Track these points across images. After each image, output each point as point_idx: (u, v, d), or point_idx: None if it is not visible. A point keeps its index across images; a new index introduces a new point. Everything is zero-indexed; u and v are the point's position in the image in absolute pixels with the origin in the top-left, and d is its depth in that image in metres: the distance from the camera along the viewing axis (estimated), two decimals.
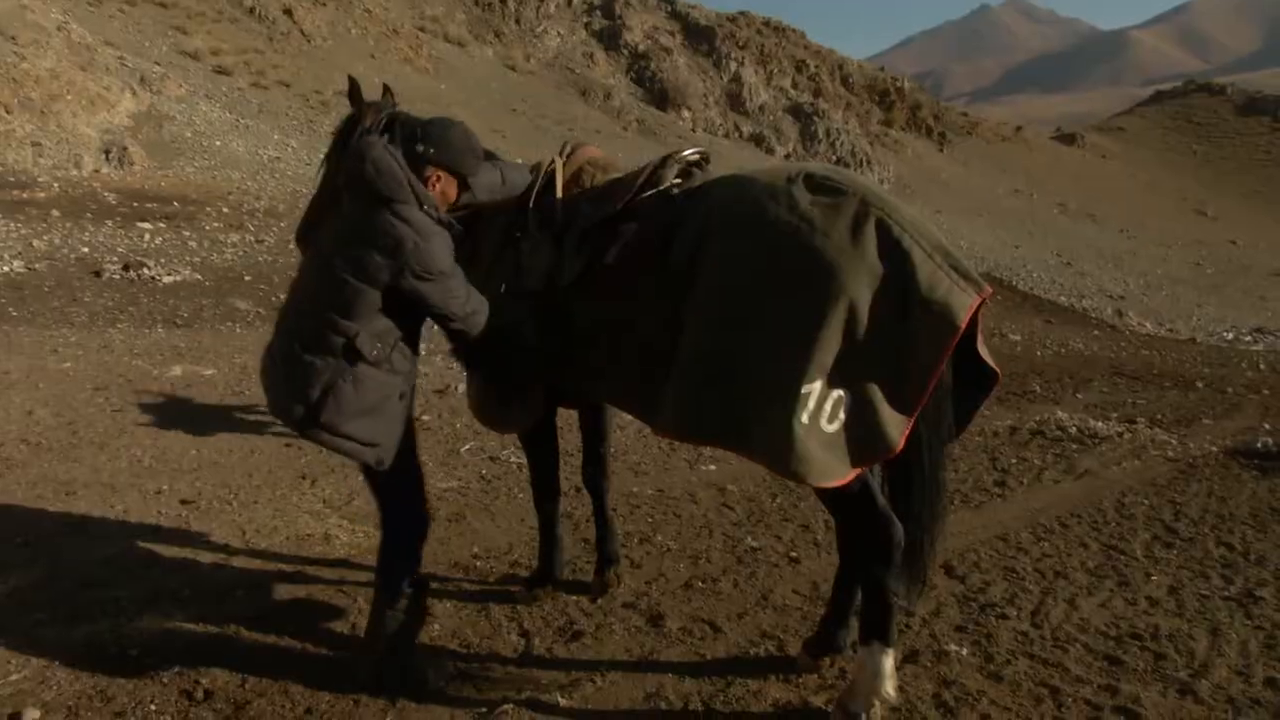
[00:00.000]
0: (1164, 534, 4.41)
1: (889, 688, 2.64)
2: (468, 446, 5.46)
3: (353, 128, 3.37)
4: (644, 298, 2.79)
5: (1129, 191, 59.04)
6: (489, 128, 35.04)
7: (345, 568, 3.68)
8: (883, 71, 60.45)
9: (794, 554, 3.98)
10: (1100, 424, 6.84)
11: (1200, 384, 9.57)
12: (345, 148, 3.26)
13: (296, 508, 4.34)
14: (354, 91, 3.46)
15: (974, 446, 6.07)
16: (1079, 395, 8.60)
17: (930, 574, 2.82)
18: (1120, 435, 6.56)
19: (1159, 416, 7.55)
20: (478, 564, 3.77)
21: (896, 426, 2.52)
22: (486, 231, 3.20)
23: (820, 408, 2.48)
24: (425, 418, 6.05)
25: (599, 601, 3.44)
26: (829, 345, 2.48)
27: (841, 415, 2.51)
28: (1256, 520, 4.67)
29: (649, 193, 2.98)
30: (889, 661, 2.65)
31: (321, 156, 3.54)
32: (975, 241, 37.26)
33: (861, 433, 2.51)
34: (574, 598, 3.48)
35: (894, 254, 2.53)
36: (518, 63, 45.50)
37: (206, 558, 3.75)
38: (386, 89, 3.57)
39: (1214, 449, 6.26)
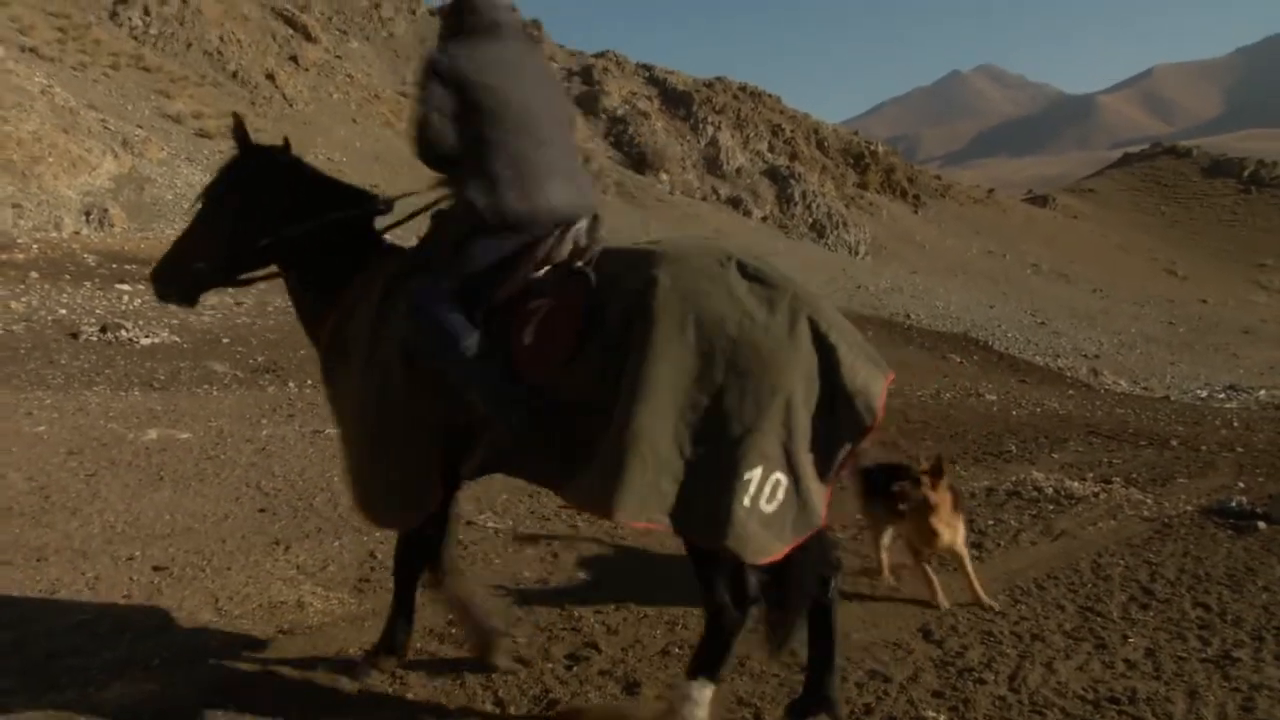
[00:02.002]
0: (1140, 595, 4.42)
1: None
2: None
3: (232, 169, 3.43)
4: (564, 377, 2.80)
5: (1101, 252, 59.95)
6: None
7: (318, 636, 3.64)
8: (857, 135, 61.53)
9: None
10: (1076, 484, 6.87)
11: (1175, 442, 9.63)
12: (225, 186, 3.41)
13: (270, 574, 4.30)
14: (239, 131, 3.43)
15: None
16: (1055, 455, 8.63)
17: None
18: (1096, 495, 6.58)
19: (1134, 476, 7.59)
20: (452, 631, 3.74)
21: (820, 499, 2.75)
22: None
23: (760, 491, 2.62)
24: None
25: (574, 670, 3.41)
26: (770, 433, 2.63)
27: (779, 496, 2.66)
28: (1232, 580, 4.69)
29: (546, 269, 2.99)
30: (709, 695, 2.84)
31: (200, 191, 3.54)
32: (950, 301, 37.68)
33: (795, 510, 2.67)
34: (549, 665, 3.45)
35: (823, 348, 2.73)
36: None
37: (178, 625, 3.70)
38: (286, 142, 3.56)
39: (1189, 508, 6.29)
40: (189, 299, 3.52)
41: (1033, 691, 3.34)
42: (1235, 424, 11.70)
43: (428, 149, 3.04)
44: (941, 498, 4.12)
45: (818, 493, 2.72)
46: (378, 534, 4.78)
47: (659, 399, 2.62)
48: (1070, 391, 16.72)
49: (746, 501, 2.59)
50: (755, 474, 2.61)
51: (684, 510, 2.63)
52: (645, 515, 2.63)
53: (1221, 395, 21.87)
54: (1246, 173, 75.64)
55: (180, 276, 3.45)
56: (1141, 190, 76.02)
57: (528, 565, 4.52)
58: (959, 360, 19.86)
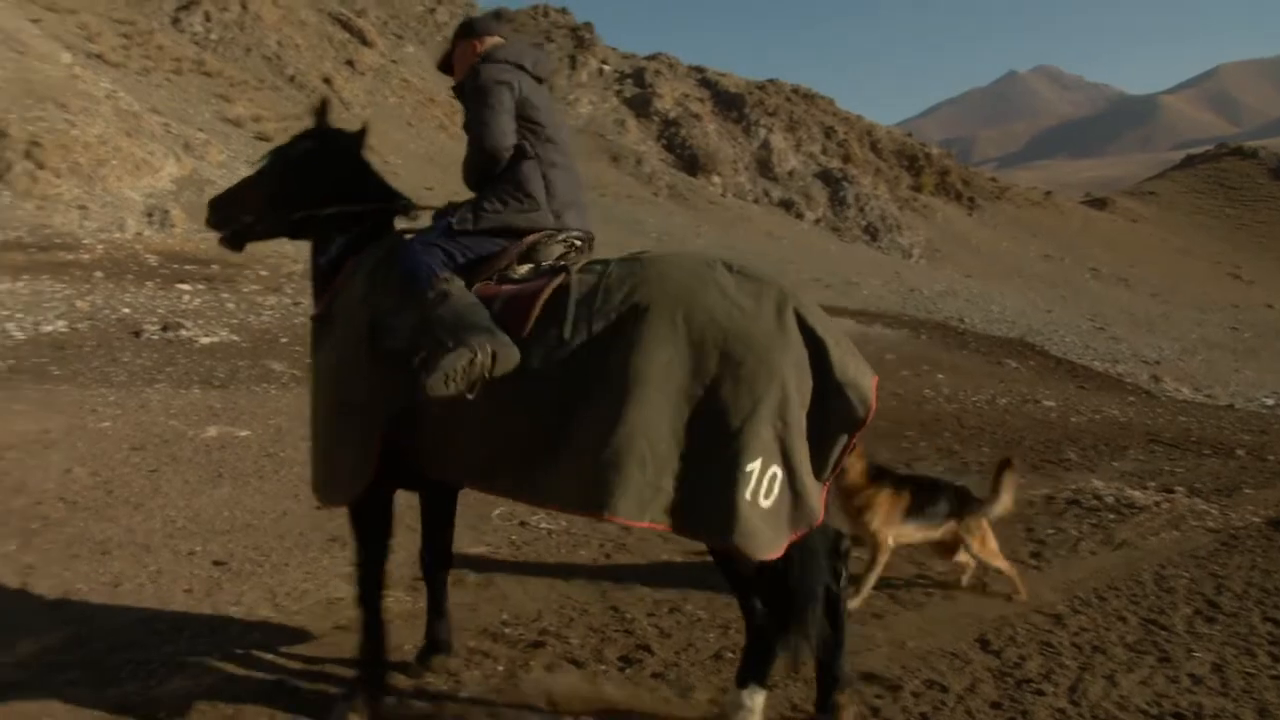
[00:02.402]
0: (1206, 608, 4.31)
1: None
2: (498, 511, 5.46)
3: (299, 140, 3.71)
4: (531, 375, 2.77)
5: (1162, 255, 58.71)
6: None
7: None
8: (911, 137, 60.90)
9: None
10: (1138, 493, 6.72)
11: (1240, 451, 9.40)
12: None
13: (327, 571, 4.35)
14: (322, 112, 3.73)
15: (1010, 517, 5.98)
16: (1115, 463, 8.46)
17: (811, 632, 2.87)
18: (1158, 505, 6.44)
19: (1198, 485, 7.41)
20: (506, 631, 3.75)
21: (817, 495, 2.75)
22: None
23: (760, 484, 2.60)
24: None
25: (628, 673, 3.40)
26: (766, 424, 2.62)
27: (776, 490, 2.64)
28: None
29: (528, 267, 3.10)
30: (761, 700, 2.89)
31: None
32: (1006, 306, 37.13)
33: (792, 505, 2.68)
34: (602, 667, 3.46)
35: (811, 340, 2.74)
36: None
37: (237, 620, 3.76)
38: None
39: (1256, 519, 6.13)
40: (235, 245, 3.74)
41: (1093, 705, 3.27)
42: None
43: (493, 155, 3.16)
44: (860, 485, 4.16)
45: (814, 488, 2.71)
46: None
47: (654, 394, 2.61)
48: (1130, 398, 16.37)
49: (749, 495, 2.57)
50: (755, 466, 2.59)
51: (687, 508, 2.61)
52: (647, 515, 2.60)
53: None
54: None
55: (230, 220, 3.68)
56: (1205, 192, 74.31)
57: (581, 568, 4.52)
58: (1015, 365, 19.53)
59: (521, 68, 3.28)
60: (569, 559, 4.64)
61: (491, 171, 3.20)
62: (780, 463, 2.64)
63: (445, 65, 3.54)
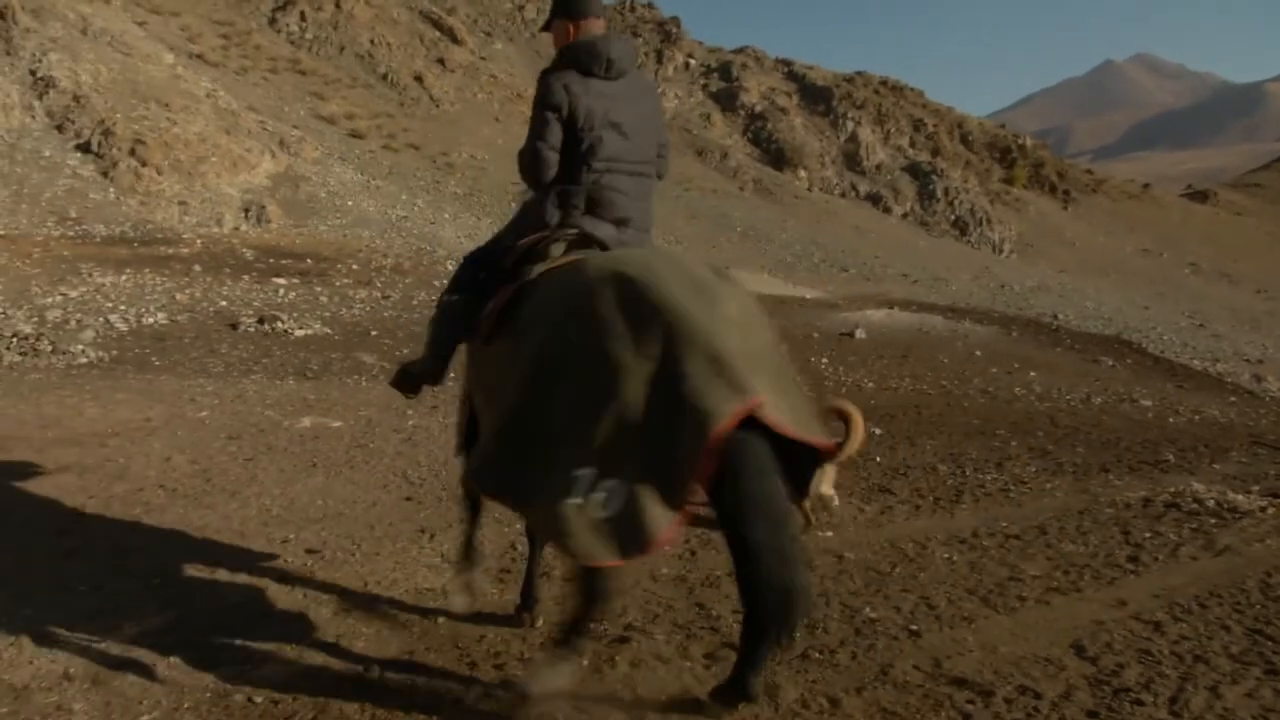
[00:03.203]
0: None
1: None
2: None
3: None
4: (485, 382, 3.24)
5: (1267, 250, 56.39)
6: None
7: (462, 622, 3.73)
8: (1003, 129, 59.52)
9: (914, 627, 3.86)
10: (1240, 497, 6.46)
11: None
12: None
13: (416, 561, 4.43)
14: None
15: (1105, 519, 5.80)
16: (1216, 466, 8.14)
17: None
18: (1263, 510, 6.16)
19: None
20: (592, 626, 3.77)
21: (661, 521, 2.60)
22: None
23: (591, 493, 2.62)
24: None
25: (713, 670, 3.39)
26: (604, 435, 2.63)
27: (614, 504, 2.61)
28: None
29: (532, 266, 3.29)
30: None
31: None
32: (1103, 302, 36.07)
33: (626, 525, 2.59)
34: (688, 664, 3.45)
35: (669, 357, 2.64)
36: None
37: (329, 607, 3.86)
38: None
39: None
40: None
41: (1196, 716, 3.15)
42: None
43: (531, 181, 3.42)
44: None
45: (657, 516, 2.58)
46: (518, 525, 4.88)
47: (513, 393, 2.88)
48: (1232, 398, 15.73)
49: (578, 499, 2.60)
50: (587, 473, 2.62)
51: (525, 496, 2.79)
52: (500, 495, 2.96)
53: None
54: None
55: None
56: None
57: (665, 562, 4.52)
58: (1111, 363, 18.94)
59: (590, 73, 3.31)
60: (655, 557, 4.65)
61: (534, 188, 3.45)
62: (617, 476, 2.61)
63: (548, 27, 3.57)
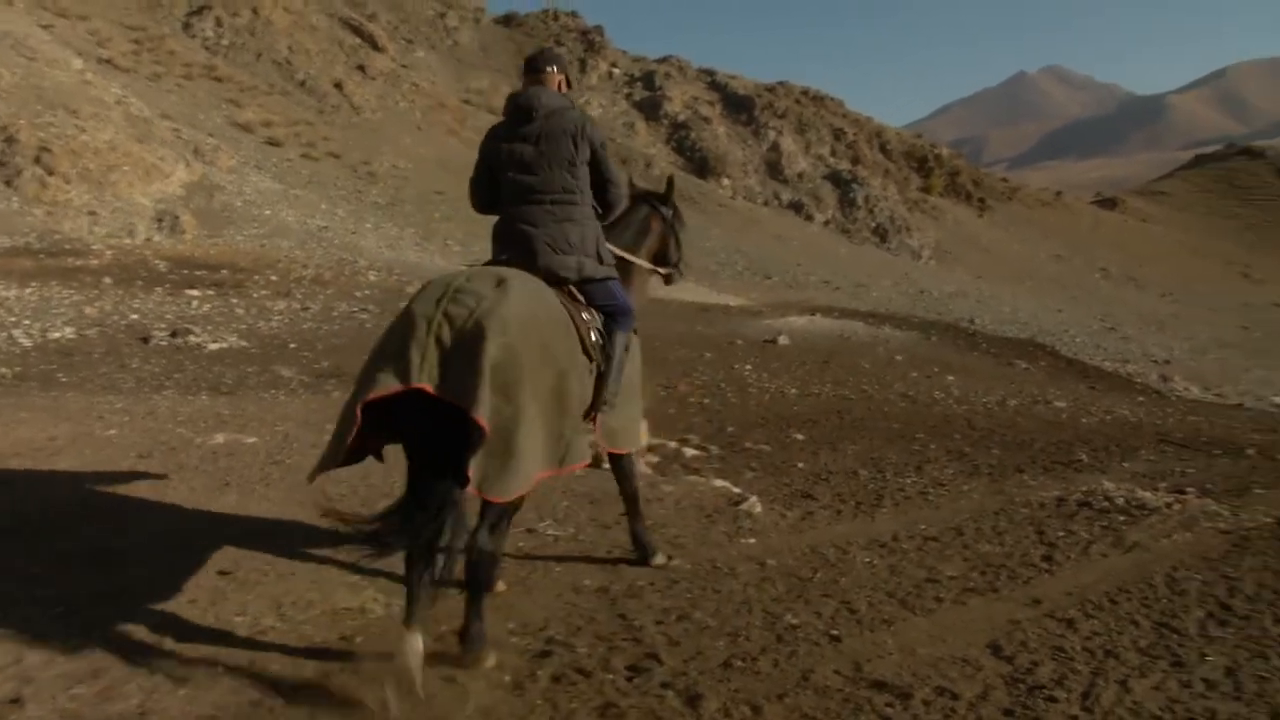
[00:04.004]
0: (1219, 611, 4.26)
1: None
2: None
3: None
4: None
5: (1172, 255, 58.50)
6: None
7: (380, 642, 3.65)
8: (920, 138, 60.83)
9: (835, 631, 3.89)
10: (1149, 495, 6.66)
11: (1251, 451, 9.30)
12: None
13: (334, 580, 4.33)
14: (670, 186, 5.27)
15: (1020, 519, 5.93)
16: (1126, 464, 8.40)
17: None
18: (1170, 506, 6.36)
19: (1209, 486, 7.35)
20: (513, 640, 3.73)
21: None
22: None
23: None
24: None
25: (635, 682, 3.38)
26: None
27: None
28: None
29: None
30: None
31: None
32: (1018, 307, 36.99)
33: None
34: (610, 676, 3.43)
35: (387, 333, 3.47)
36: None
37: (242, 630, 3.74)
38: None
39: (1268, 520, 6.06)
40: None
41: (1107, 711, 3.23)
42: None
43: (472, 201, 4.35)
44: None
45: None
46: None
47: None
48: (1140, 398, 16.25)
49: None
50: None
51: None
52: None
53: None
54: None
55: None
56: (1214, 192, 74.04)
57: (588, 573, 4.49)
58: (1026, 366, 19.44)
59: (514, 122, 4.00)
60: (576, 566, 4.61)
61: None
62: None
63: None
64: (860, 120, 55.99)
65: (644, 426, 4.71)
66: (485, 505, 3.39)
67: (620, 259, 4.47)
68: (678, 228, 5.21)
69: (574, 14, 54.77)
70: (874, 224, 45.79)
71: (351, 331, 14.05)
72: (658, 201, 5.12)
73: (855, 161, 50.25)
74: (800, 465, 7.41)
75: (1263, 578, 4.78)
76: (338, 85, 36.27)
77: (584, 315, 3.86)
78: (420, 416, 3.20)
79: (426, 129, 37.80)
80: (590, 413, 3.85)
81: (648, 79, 51.10)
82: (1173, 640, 3.88)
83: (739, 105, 51.06)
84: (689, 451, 7.53)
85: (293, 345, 12.48)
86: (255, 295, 15.92)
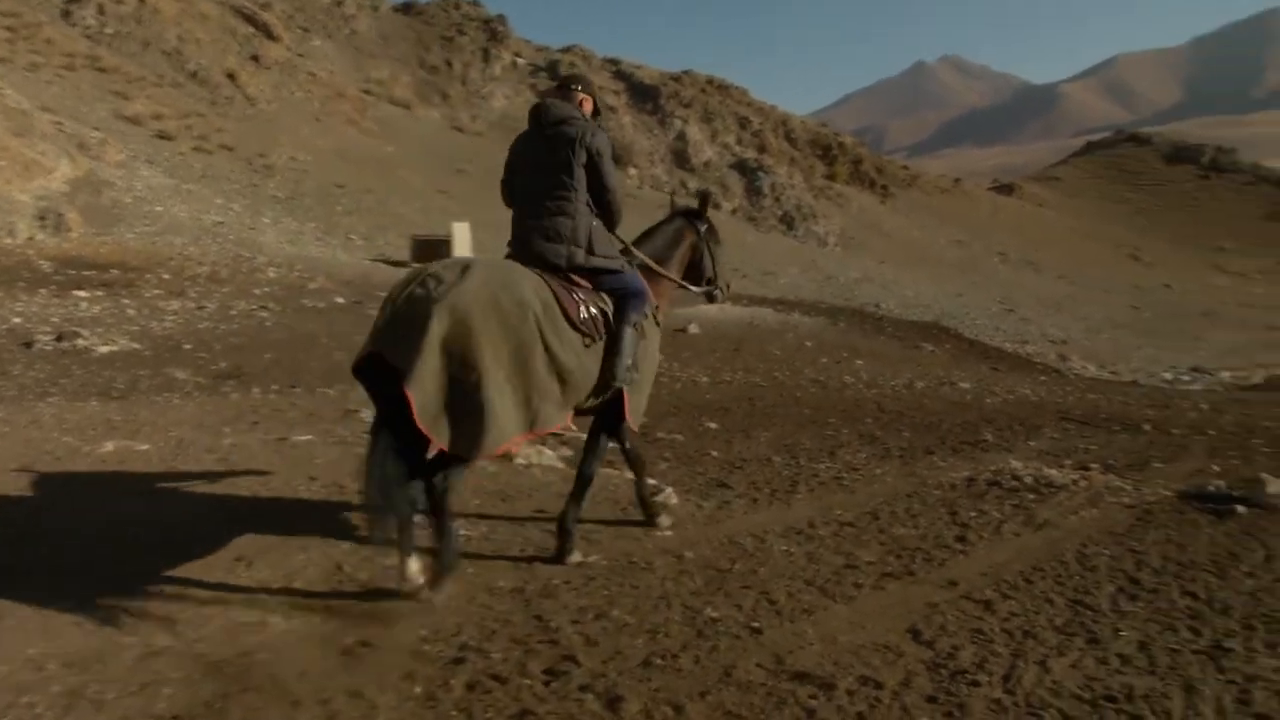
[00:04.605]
0: (1128, 585, 4.33)
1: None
2: (416, 519, 5.22)
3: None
4: None
5: (1066, 239, 60.49)
6: (435, 188, 35.01)
7: (281, 658, 3.46)
8: (825, 127, 61.67)
9: (755, 624, 3.82)
10: (1055, 472, 6.80)
11: (1147, 426, 9.61)
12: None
13: (231, 593, 4.09)
14: (704, 201, 5.65)
15: (933, 501, 5.98)
16: (1031, 442, 8.57)
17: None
18: (1075, 483, 6.51)
19: (1111, 462, 7.54)
20: (425, 648, 3.57)
21: None
22: None
23: None
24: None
25: (553, 686, 3.26)
26: None
27: None
28: (1217, 566, 4.62)
29: None
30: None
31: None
32: (920, 291, 37.80)
33: None
34: (526, 681, 3.30)
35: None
36: (464, 124, 45.70)
37: (132, 652, 3.50)
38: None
39: (1168, 494, 6.23)
40: None
41: (1028, 692, 3.23)
42: (1204, 407, 11.72)
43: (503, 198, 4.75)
44: None
45: None
46: (345, 545, 4.61)
47: None
48: (1041, 378, 16.73)
49: None
50: None
51: None
52: None
53: (1186, 378, 22.02)
54: (1205, 159, 76.71)
55: None
56: (1105, 178, 76.80)
57: (502, 573, 4.35)
58: (931, 349, 19.85)
59: (533, 128, 4.52)
60: (490, 566, 4.46)
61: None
62: None
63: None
64: (765, 109, 56.53)
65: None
66: (444, 454, 3.78)
67: (644, 266, 4.99)
68: (712, 243, 5.51)
69: (476, 2, 54.04)
70: (780, 212, 46.29)
71: (251, 330, 13.57)
72: (694, 216, 5.51)
73: (761, 150, 50.71)
74: (714, 454, 7.35)
75: (1167, 550, 4.90)
76: (231, 76, 35.12)
77: (579, 295, 4.24)
78: (385, 378, 3.68)
79: (325, 120, 36.88)
80: (602, 387, 4.32)
81: (552, 68, 50.73)
82: (1087, 617, 3.92)
83: (644, 94, 51.06)
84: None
85: (188, 346, 11.99)
86: (147, 295, 15.27)
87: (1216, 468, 7.30)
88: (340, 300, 17.28)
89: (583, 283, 4.35)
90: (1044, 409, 10.83)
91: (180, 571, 4.33)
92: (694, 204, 5.64)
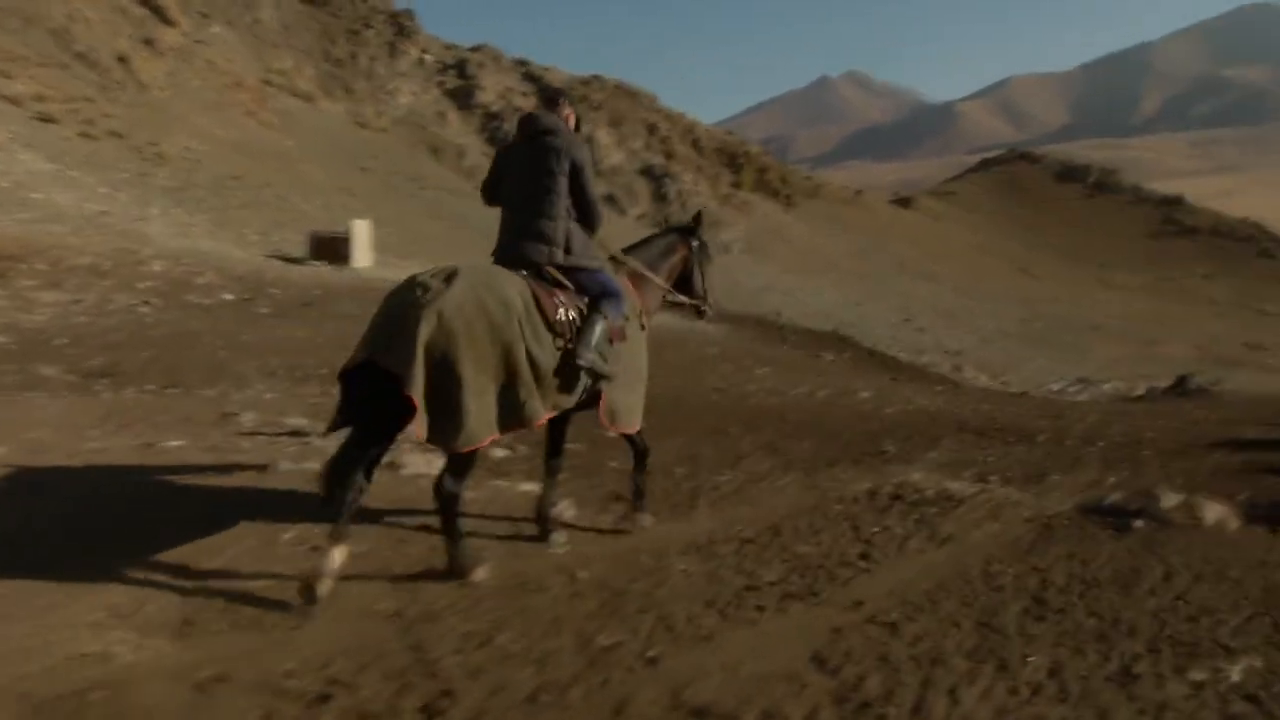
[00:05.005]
0: (1034, 606, 4.23)
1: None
2: (289, 535, 4.85)
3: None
4: None
5: (962, 252, 62.16)
6: (337, 185, 34.09)
7: (122, 696, 3.08)
8: (731, 135, 62.25)
9: (651, 653, 3.58)
10: (955, 484, 6.75)
11: (1041, 437, 9.68)
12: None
13: (76, 618, 3.68)
14: (699, 220, 6.06)
15: (835, 515, 5.84)
16: (931, 454, 8.54)
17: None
18: (976, 496, 6.45)
19: (1009, 474, 7.54)
20: (289, 684, 3.23)
21: None
22: None
23: None
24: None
25: None
26: None
27: None
28: (1119, 584, 4.56)
29: None
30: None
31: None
32: (821, 300, 38.33)
33: None
34: None
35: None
36: (369, 119, 44.76)
37: None
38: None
39: (1066, 507, 6.22)
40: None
41: None
42: (1093, 417, 11.91)
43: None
44: None
45: None
46: (208, 566, 4.23)
47: None
48: (938, 388, 16.93)
49: None
50: None
51: None
52: None
53: (1073, 389, 22.68)
54: (1091, 179, 79.70)
55: None
56: (998, 194, 79.23)
57: (381, 596, 4.02)
58: (832, 358, 19.99)
59: (519, 138, 4.90)
60: (367, 588, 4.12)
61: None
62: None
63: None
64: (673, 116, 56.75)
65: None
66: (450, 456, 4.12)
67: (635, 272, 5.40)
68: (703, 259, 5.90)
69: None
70: (686, 218, 46.47)
71: (130, 326, 12.84)
72: (688, 233, 5.90)
73: (669, 156, 50.87)
74: (613, 464, 7.08)
75: (1070, 567, 4.83)
76: (122, 59, 33.60)
77: (559, 298, 4.53)
78: (373, 381, 3.94)
79: (223, 109, 35.59)
80: (572, 383, 4.52)
81: (460, 67, 50.04)
82: (995, 641, 3.79)
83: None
84: (496, 452, 7.08)
85: (60, 341, 11.25)
86: (20, 285, 14.35)
87: (1112, 479, 7.35)
88: (229, 297, 16.55)
89: (565, 284, 4.64)
90: (942, 420, 10.86)
91: (20, 594, 3.89)
92: (689, 221, 6.07)
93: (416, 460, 6.26)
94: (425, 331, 3.86)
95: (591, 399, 4.75)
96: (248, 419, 7.80)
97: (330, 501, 3.96)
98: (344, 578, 4.15)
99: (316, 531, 4.81)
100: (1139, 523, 5.73)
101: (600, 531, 5.32)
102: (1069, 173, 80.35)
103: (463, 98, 47.92)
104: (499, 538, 5.02)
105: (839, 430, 9.51)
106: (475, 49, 53.75)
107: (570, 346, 4.44)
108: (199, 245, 22.20)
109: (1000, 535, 5.49)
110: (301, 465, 6.07)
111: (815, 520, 5.69)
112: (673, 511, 5.82)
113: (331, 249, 22.33)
